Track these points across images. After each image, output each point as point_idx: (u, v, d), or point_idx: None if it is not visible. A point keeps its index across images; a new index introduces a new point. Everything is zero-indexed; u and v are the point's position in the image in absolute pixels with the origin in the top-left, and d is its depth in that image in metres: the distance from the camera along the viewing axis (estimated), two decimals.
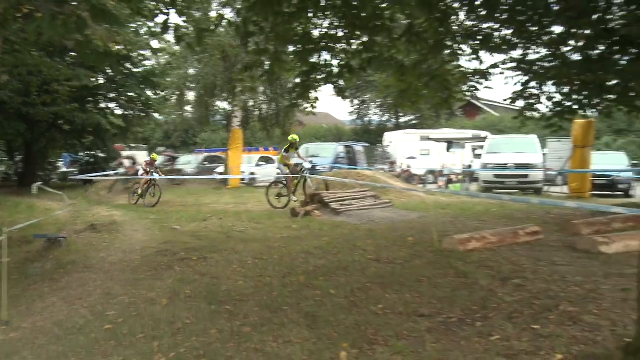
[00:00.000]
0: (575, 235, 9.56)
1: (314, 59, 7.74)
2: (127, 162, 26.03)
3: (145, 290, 7.03)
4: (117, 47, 19.66)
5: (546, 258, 7.97)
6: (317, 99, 9.41)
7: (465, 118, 44.43)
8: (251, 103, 29.76)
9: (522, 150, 20.90)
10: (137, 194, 18.32)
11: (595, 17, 8.44)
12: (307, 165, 15.51)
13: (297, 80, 8.10)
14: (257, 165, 28.44)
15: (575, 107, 11.00)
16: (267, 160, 29.51)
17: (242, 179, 24.71)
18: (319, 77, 7.90)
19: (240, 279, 7.37)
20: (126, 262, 8.62)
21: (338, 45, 7.74)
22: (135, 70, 24.87)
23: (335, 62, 8.00)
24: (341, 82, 8.44)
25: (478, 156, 24.46)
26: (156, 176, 18.11)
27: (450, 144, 28.88)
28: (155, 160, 19.13)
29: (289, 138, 15.77)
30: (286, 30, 7.03)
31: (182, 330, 5.52)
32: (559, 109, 11.21)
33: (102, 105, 25.77)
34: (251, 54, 7.73)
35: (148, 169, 18.28)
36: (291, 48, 7.54)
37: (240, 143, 24.84)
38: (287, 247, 9.35)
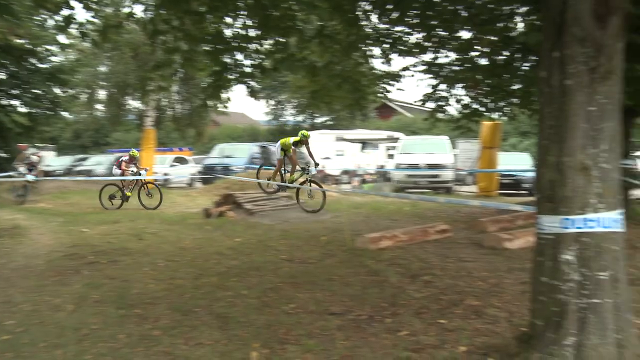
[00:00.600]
0: (482, 232, 9.93)
1: (226, 59, 7.68)
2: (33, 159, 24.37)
3: (49, 296, 6.72)
4: (19, 41, 18.70)
5: (454, 255, 8.24)
6: (229, 98, 9.34)
7: (380, 119, 45.24)
8: (164, 102, 29.10)
9: (434, 150, 21.50)
10: (118, 196, 16.27)
11: (499, 24, 8.85)
12: (313, 171, 13.61)
13: (209, 80, 7.99)
14: (171, 165, 27.85)
15: (482, 109, 11.47)
16: (181, 161, 28.96)
17: (156, 180, 24.13)
18: (231, 77, 7.84)
19: (151, 282, 7.19)
20: (30, 268, 8.20)
21: (250, 46, 7.70)
22: (41, 66, 23.69)
23: (247, 62, 7.97)
24: (254, 83, 8.41)
25: (391, 156, 24.96)
26: (143, 174, 16.54)
27: (365, 144, 29.32)
28: (136, 157, 17.06)
29: (299, 133, 14.06)
30: (197, 29, 6.95)
31: (88, 337, 5.32)
32: (467, 111, 11.65)
33: (4, 102, 24.35)
34: (162, 53, 7.60)
35: (129, 168, 16.33)
36: (203, 47, 7.44)
37: (153, 143, 24.26)
38: (200, 249, 9.22)
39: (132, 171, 16.18)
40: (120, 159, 16.70)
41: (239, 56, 7.83)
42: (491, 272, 7.13)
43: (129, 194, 16.04)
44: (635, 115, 11.57)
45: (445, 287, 6.47)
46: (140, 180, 16.16)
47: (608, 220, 3.47)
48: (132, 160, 16.57)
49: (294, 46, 8.21)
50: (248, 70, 7.86)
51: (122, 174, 16.10)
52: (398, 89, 11.58)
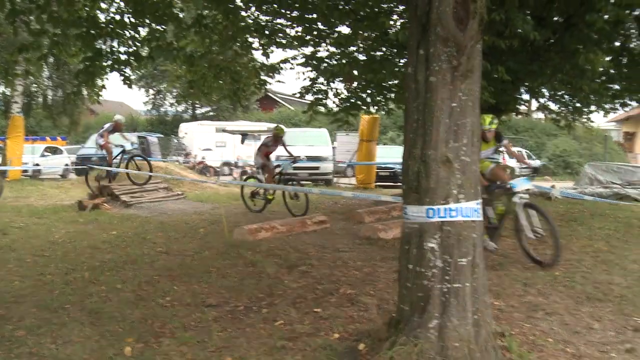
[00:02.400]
0: (359, 223, 10.23)
1: (99, 45, 7.37)
2: None
3: None
4: None
5: (331, 245, 8.43)
6: (103, 86, 8.97)
7: (262, 111, 45.23)
8: (34, 88, 27.36)
9: (314, 143, 21.78)
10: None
11: (377, 21, 9.13)
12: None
13: (81, 66, 7.62)
14: (42, 155, 26.29)
15: (360, 103, 11.78)
16: (54, 151, 27.41)
17: (25, 171, 22.69)
18: (105, 63, 7.53)
19: (16, 279, 6.78)
20: None
21: (126, 32, 7.44)
22: None
23: (122, 49, 7.68)
24: (129, 71, 8.14)
25: None
26: None
27: (245, 136, 29.21)
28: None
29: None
30: (67, 11, 6.61)
31: None
32: (345, 104, 11.92)
33: None
34: (27, 35, 7.17)
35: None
36: (74, 31, 7.07)
37: (22, 131, 22.75)
38: (72, 243, 8.81)
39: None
40: None
41: (114, 43, 7.55)
42: (366, 262, 7.37)
43: None
44: (499, 113, 12.36)
45: (322, 277, 6.61)
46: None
47: (468, 210, 3.70)
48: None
49: (172, 35, 8.04)
50: (123, 57, 7.58)
51: None
52: (278, 81, 11.64)
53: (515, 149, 9.36)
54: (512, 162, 15.86)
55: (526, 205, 7.35)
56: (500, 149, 8.28)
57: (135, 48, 7.56)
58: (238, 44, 9.21)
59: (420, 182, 3.67)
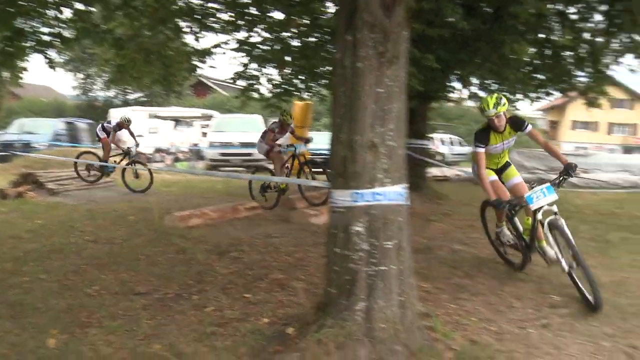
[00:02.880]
0: (291, 209, 10.25)
1: (19, 24, 7.04)
2: None
3: None
4: None
5: (262, 231, 8.44)
6: (25, 69, 8.57)
7: (195, 97, 44.58)
8: None
9: (247, 129, 21.63)
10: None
11: (309, 7, 9.12)
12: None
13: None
14: None
15: (292, 89, 11.76)
16: None
17: None
18: (25, 44, 7.21)
19: None
20: None
21: (48, 12, 7.15)
22: None
23: (45, 30, 7.38)
24: (53, 53, 7.84)
25: (205, 134, 24.76)
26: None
27: (179, 122, 28.73)
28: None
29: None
30: None
31: None
32: (278, 90, 11.87)
33: None
34: None
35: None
36: None
37: None
38: None
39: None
40: None
41: (36, 22, 7.23)
42: (297, 247, 7.42)
43: None
44: (430, 100, 12.61)
45: (253, 263, 6.62)
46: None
47: (394, 194, 3.78)
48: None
49: (99, 16, 7.79)
50: (46, 38, 7.28)
51: None
52: (210, 67, 11.48)
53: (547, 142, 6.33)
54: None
55: (551, 225, 5.55)
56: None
57: (59, 29, 7.27)
58: (169, 28, 9.01)
59: (347, 167, 3.71)
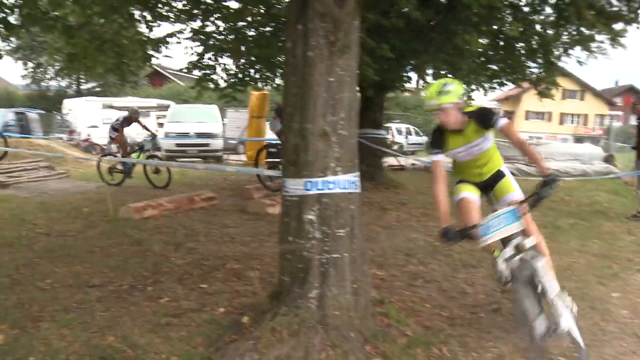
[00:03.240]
0: (247, 199, 10.24)
1: None
2: None
3: None
4: None
5: (219, 222, 8.43)
6: None
7: (151, 87, 43.94)
8: None
9: (203, 119, 21.49)
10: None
11: None
12: None
13: None
14: None
15: (248, 79, 11.72)
16: None
17: None
18: None
19: None
20: None
21: None
22: None
23: None
24: None
25: (162, 125, 24.44)
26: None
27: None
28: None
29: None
30: None
31: None
32: (233, 80, 11.81)
33: None
34: None
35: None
36: None
37: None
38: None
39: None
40: None
41: None
42: (253, 237, 7.44)
43: None
44: (386, 90, 12.71)
45: (209, 253, 6.62)
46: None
47: (345, 182, 3.81)
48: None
49: (47, 2, 7.61)
50: None
51: None
52: (165, 56, 11.34)
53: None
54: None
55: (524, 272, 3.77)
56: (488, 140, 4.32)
57: (3, 14, 7.06)
58: (122, 16, 8.86)
59: (299, 156, 3.73)
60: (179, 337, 4.22)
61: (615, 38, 10.94)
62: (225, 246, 6.98)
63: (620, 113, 64.25)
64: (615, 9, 8.92)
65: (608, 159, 18.58)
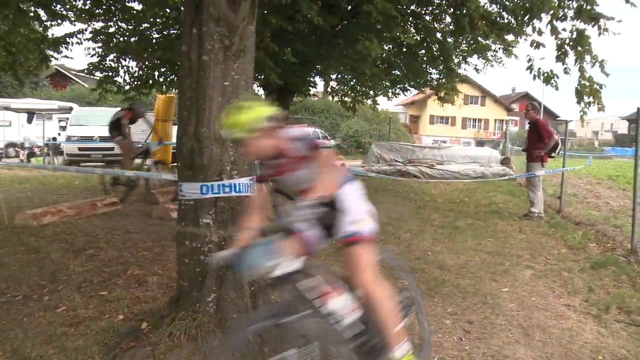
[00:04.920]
0: (152, 204, 10.06)
1: None
2: None
3: None
4: None
5: (122, 227, 8.23)
6: None
7: (53, 88, 42.16)
8: None
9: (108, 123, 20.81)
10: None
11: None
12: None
13: None
14: None
15: (151, 82, 11.51)
16: None
17: None
18: None
19: None
20: None
21: None
22: None
23: None
24: None
25: (64, 128, 23.52)
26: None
27: (33, 114, 27.02)
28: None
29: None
30: None
31: None
32: (137, 82, 11.57)
33: None
34: None
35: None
36: None
37: None
38: None
39: None
40: None
41: None
42: (156, 242, 7.33)
43: None
44: (291, 94, 12.82)
45: (110, 260, 6.46)
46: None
47: (242, 186, 3.84)
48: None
49: None
50: None
51: None
52: (65, 57, 10.93)
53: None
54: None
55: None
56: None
57: None
58: (11, 12, 8.46)
59: (195, 160, 3.72)
60: (75, 347, 4.10)
61: (507, 48, 11.58)
62: (127, 252, 6.84)
63: (517, 118, 67.67)
64: (505, 21, 9.42)
65: (505, 162, 19.52)
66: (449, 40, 11.71)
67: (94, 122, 20.78)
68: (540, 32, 8.67)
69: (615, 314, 5.33)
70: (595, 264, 6.97)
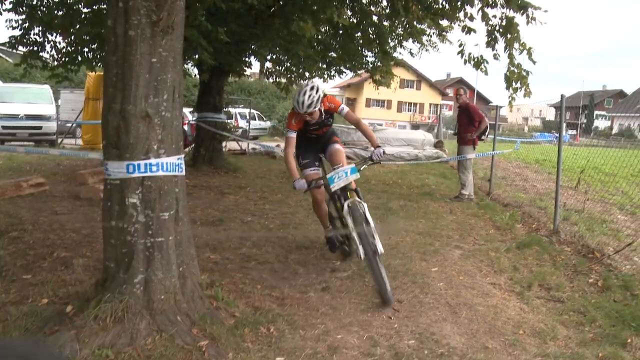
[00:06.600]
0: (81, 184, 9.75)
1: None
2: None
3: None
4: None
5: (48, 208, 7.96)
6: None
7: None
8: None
9: (35, 100, 20.01)
10: None
11: None
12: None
13: None
14: None
15: (80, 58, 11.12)
16: None
17: None
18: None
19: None
20: None
21: None
22: None
23: None
24: None
25: None
26: None
27: None
28: None
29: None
30: None
31: None
32: (65, 59, 11.15)
33: None
34: None
35: None
36: None
37: None
38: None
39: None
40: None
41: None
42: (85, 223, 7.12)
43: None
44: (225, 74, 12.65)
45: (35, 242, 6.23)
46: None
47: (169, 165, 3.75)
48: None
49: None
50: None
51: None
52: None
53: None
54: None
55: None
56: None
57: None
58: None
59: (120, 138, 3.61)
60: None
61: (442, 33, 11.76)
62: (54, 234, 6.61)
63: (451, 103, 69.11)
64: (440, 6, 9.56)
65: (438, 145, 19.92)
66: (385, 23, 11.78)
67: (19, 99, 19.92)
68: (472, 18, 8.87)
69: (536, 291, 5.55)
70: (521, 244, 7.23)
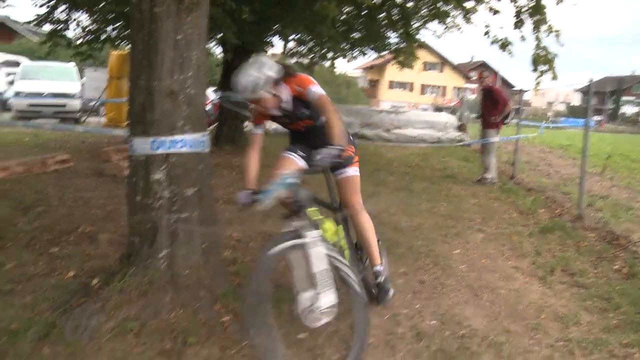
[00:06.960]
0: (105, 161, 9.85)
1: None
2: None
3: None
4: None
5: (73, 185, 8.07)
6: None
7: None
8: None
9: (59, 78, 20.17)
10: None
11: None
12: None
13: None
14: None
15: (104, 37, 11.18)
16: None
17: None
18: None
19: None
20: None
21: None
22: None
23: None
24: None
25: (12, 83, 22.64)
26: None
27: None
28: None
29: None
30: None
31: None
32: (89, 37, 11.22)
33: None
34: None
35: None
36: None
37: None
38: None
39: None
40: None
41: None
42: (109, 200, 7.22)
43: None
44: (248, 54, 12.62)
45: (60, 217, 6.33)
46: None
47: (193, 142, 3.78)
48: None
49: None
50: None
51: None
52: (8, 6, 10.48)
53: None
54: None
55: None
56: None
57: None
58: None
59: (146, 114, 3.64)
60: (22, 303, 4.04)
61: (467, 15, 11.61)
62: (78, 210, 6.71)
63: (474, 86, 68.45)
64: None
65: (461, 128, 19.76)
66: (409, 4, 11.67)
67: (44, 77, 20.10)
68: None
69: (559, 276, 5.51)
70: (544, 229, 7.17)
